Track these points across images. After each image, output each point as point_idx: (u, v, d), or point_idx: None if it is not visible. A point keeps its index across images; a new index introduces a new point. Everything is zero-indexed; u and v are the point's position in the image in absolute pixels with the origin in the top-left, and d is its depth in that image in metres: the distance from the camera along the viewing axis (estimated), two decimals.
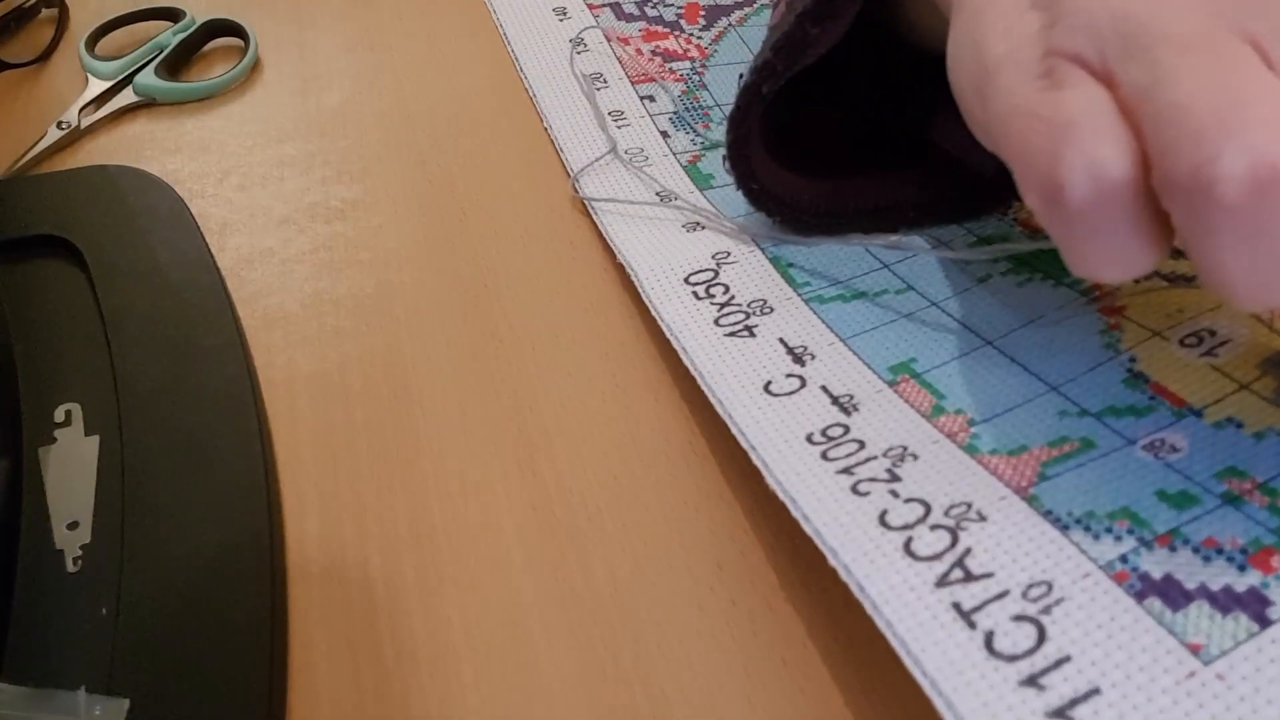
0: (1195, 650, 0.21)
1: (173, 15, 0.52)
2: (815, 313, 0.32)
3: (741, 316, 0.32)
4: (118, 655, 0.26)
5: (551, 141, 0.43)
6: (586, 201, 0.39)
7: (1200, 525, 0.23)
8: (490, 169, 0.42)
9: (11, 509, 0.29)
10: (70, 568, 0.28)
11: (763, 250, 0.35)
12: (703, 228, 0.36)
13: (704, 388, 0.30)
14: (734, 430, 0.28)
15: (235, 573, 0.28)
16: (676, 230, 0.36)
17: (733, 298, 0.33)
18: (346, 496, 0.31)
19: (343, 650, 0.27)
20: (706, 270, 0.34)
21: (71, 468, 0.31)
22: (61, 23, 0.52)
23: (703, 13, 0.49)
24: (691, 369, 0.30)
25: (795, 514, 0.25)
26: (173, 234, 0.39)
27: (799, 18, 0.31)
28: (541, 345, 0.35)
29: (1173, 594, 0.22)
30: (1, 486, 0.29)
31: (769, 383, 0.29)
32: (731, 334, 0.31)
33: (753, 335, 0.31)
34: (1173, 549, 0.23)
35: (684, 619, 0.27)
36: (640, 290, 0.34)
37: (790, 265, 0.34)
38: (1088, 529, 0.24)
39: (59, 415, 0.32)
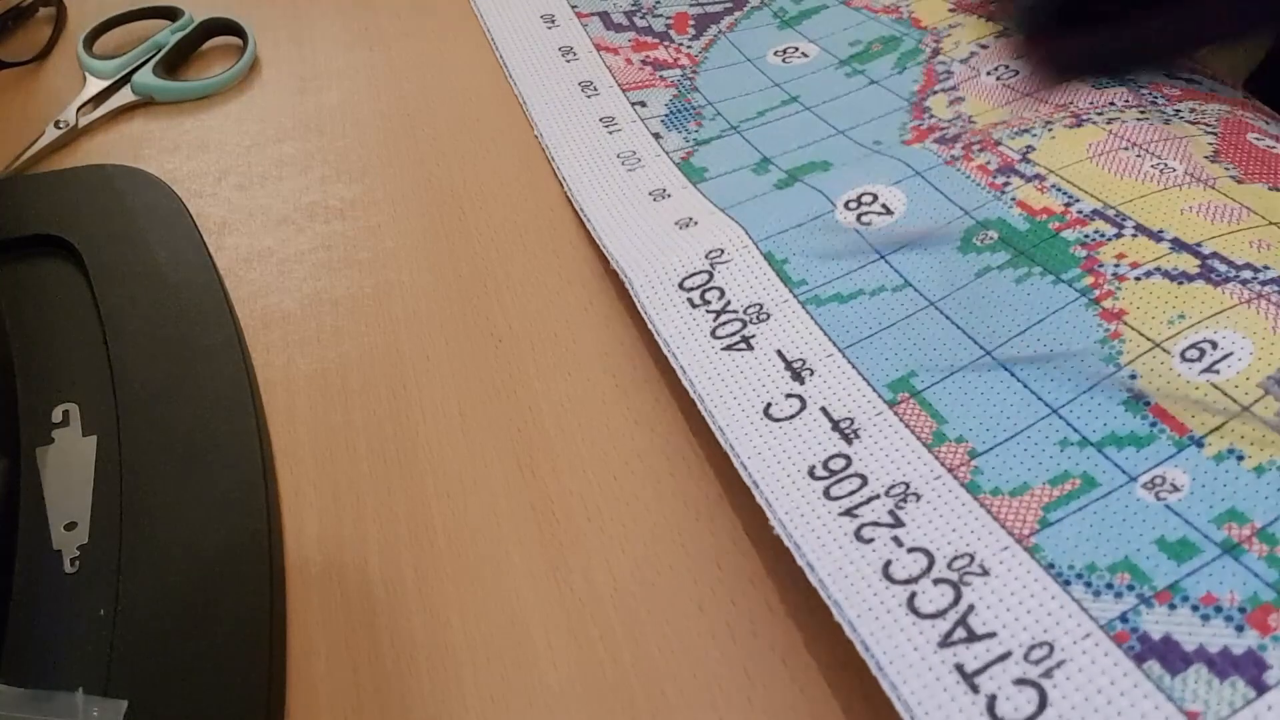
0: (1193, 718, 0.21)
1: (171, 14, 0.51)
2: (812, 317, 0.32)
3: (739, 325, 0.32)
4: (116, 656, 0.26)
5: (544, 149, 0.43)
6: (579, 210, 0.39)
7: (1199, 579, 0.23)
8: (490, 169, 0.42)
9: (9, 509, 0.29)
10: (68, 568, 0.28)
11: (756, 245, 0.35)
12: (696, 223, 0.36)
13: (705, 414, 0.30)
14: (736, 464, 0.28)
15: (233, 573, 0.28)
16: (669, 228, 0.36)
17: (729, 304, 0.33)
18: (346, 497, 0.30)
19: (342, 650, 0.27)
20: (701, 273, 0.34)
21: (69, 468, 0.31)
22: (59, 21, 0.52)
23: (692, 22, 0.48)
24: (691, 392, 0.30)
25: (800, 562, 0.25)
26: (171, 233, 0.39)
27: None
28: (541, 345, 0.35)
29: (1171, 657, 0.22)
30: None
31: (769, 405, 0.29)
32: (729, 347, 0.31)
33: (750, 348, 0.31)
34: (1172, 606, 0.23)
35: (684, 619, 0.27)
36: (636, 301, 0.34)
37: (785, 261, 0.34)
38: (1089, 585, 0.24)
39: (57, 415, 0.32)
